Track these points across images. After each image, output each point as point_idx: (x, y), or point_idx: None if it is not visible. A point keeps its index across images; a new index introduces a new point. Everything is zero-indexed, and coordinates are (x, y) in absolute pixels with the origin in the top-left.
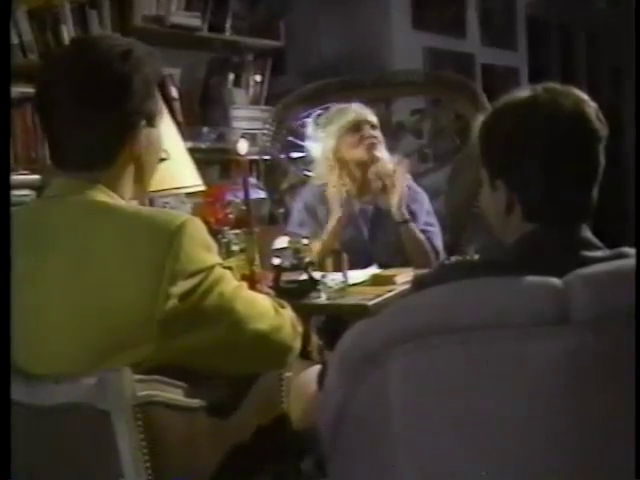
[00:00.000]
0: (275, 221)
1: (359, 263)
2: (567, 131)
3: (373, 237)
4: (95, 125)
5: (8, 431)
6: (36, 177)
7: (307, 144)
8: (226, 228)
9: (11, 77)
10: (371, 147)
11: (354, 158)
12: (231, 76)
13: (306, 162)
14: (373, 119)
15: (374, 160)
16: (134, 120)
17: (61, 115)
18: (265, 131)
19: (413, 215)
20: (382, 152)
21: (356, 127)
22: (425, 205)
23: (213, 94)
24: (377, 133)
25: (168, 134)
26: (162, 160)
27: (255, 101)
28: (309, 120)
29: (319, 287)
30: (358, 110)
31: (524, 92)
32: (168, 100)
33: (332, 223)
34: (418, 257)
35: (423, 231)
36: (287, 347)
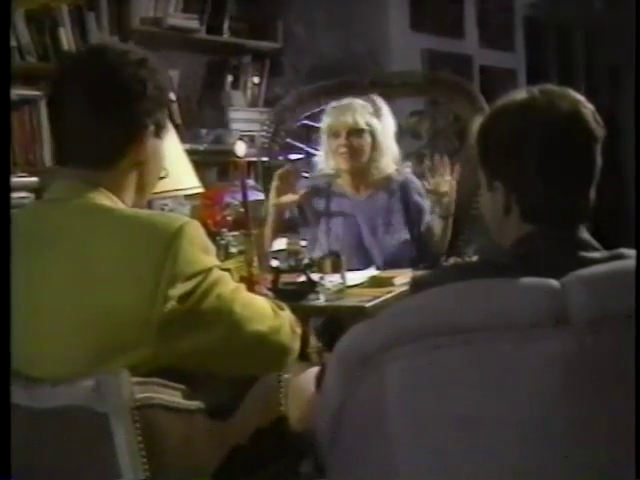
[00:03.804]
0: None
1: (357, 259)
2: (564, 132)
3: (372, 231)
4: (106, 123)
5: (8, 433)
6: (34, 179)
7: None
8: (224, 230)
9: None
10: (342, 158)
11: (335, 164)
12: (229, 78)
13: (304, 163)
14: (355, 121)
15: (351, 168)
16: (144, 123)
17: (73, 112)
18: (263, 133)
19: (416, 210)
20: (360, 159)
21: (335, 133)
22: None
23: (211, 96)
24: (356, 139)
25: (168, 140)
26: (161, 178)
27: (253, 103)
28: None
29: (317, 289)
30: (339, 115)
31: (521, 94)
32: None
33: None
34: (440, 248)
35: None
36: (285, 348)
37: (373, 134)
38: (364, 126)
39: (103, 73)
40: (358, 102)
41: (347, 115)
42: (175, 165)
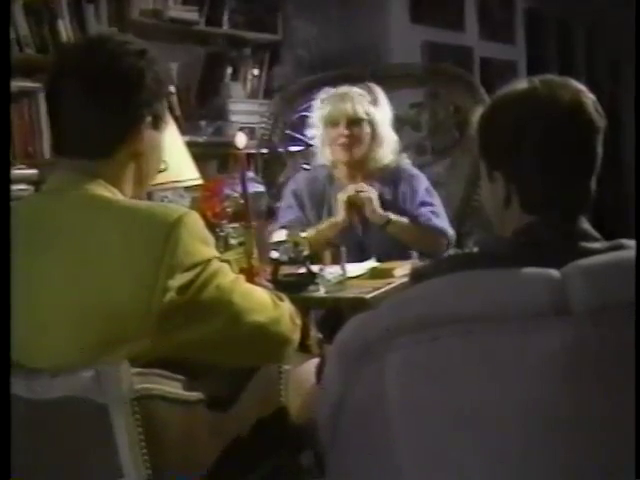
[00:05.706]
0: (273, 215)
1: (353, 252)
2: (564, 122)
3: (365, 225)
4: (102, 113)
5: (8, 426)
6: (34, 171)
7: (311, 120)
8: (224, 222)
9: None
10: (342, 148)
11: (333, 154)
12: (229, 70)
13: (304, 155)
14: (355, 110)
15: (350, 159)
16: (141, 114)
17: (71, 102)
18: (263, 124)
19: (403, 200)
20: (359, 150)
21: (334, 122)
22: (422, 185)
23: (211, 88)
24: (356, 128)
25: (167, 133)
26: (161, 171)
27: (253, 95)
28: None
29: (317, 280)
30: (338, 103)
31: (522, 84)
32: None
33: (328, 224)
34: (420, 245)
35: (417, 216)
36: (285, 339)
37: (372, 123)
38: (363, 115)
39: (101, 63)
40: (355, 90)
41: (346, 104)
42: (175, 157)
